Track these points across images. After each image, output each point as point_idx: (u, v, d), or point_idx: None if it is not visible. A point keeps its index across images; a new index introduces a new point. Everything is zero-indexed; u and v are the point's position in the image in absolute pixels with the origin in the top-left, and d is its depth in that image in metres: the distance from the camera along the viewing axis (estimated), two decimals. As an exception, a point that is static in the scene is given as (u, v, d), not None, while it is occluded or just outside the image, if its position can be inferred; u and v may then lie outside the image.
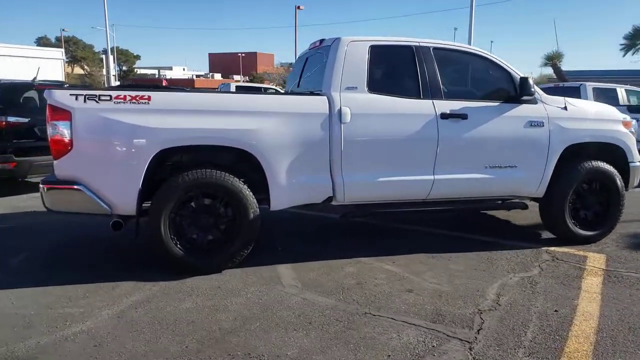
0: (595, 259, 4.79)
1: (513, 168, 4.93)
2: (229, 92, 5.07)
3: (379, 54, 4.68)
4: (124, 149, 3.96)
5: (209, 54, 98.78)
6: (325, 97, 4.45)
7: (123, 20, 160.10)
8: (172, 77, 74.10)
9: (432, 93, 4.71)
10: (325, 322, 3.38)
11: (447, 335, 3.21)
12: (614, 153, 5.31)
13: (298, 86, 5.53)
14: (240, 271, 4.31)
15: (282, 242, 5.18)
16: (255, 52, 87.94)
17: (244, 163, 4.39)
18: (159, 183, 4.15)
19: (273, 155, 4.25)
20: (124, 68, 70.19)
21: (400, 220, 5.92)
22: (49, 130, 3.91)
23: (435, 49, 4.84)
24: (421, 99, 4.68)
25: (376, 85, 4.61)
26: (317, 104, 4.41)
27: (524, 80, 4.78)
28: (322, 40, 5.06)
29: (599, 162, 5.18)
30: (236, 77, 73.96)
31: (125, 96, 3.97)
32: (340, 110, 4.40)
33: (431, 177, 4.71)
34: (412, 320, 3.43)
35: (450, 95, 4.77)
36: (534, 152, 4.96)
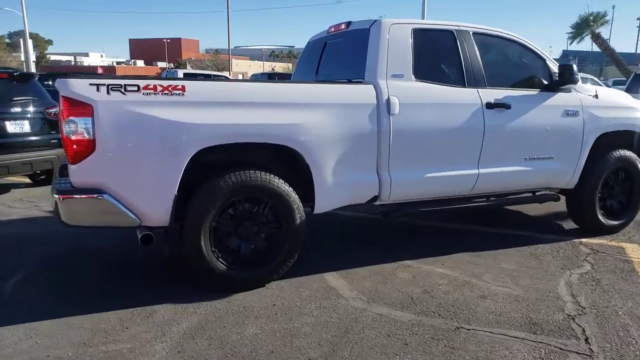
0: (633, 250, 4.73)
1: (550, 159, 4.74)
2: (270, 81, 4.49)
3: (421, 38, 4.28)
4: (158, 148, 3.32)
5: (130, 39, 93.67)
6: (371, 86, 4.01)
7: (32, 1, 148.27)
8: (91, 64, 69.73)
9: (475, 81, 4.40)
10: (422, 342, 2.98)
11: (560, 349, 2.92)
12: (633, 140, 5.28)
13: (316, 74, 5.02)
14: (285, 283, 3.82)
15: (314, 245, 4.69)
16: (180, 38, 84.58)
17: (281, 162, 3.89)
18: (190, 188, 3.56)
19: (320, 152, 3.77)
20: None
21: (421, 217, 5.61)
22: (65, 128, 3.19)
23: (474, 33, 4.52)
24: (466, 87, 4.36)
25: (422, 72, 4.21)
26: (364, 93, 3.96)
27: (569, 67, 4.58)
28: (348, 23, 4.59)
29: (624, 150, 5.13)
30: (160, 64, 70.94)
31: (155, 86, 3.32)
32: (388, 100, 3.98)
33: (476, 170, 4.41)
34: (511, 332, 3.12)
35: (492, 84, 4.48)
36: (569, 142, 4.80)
